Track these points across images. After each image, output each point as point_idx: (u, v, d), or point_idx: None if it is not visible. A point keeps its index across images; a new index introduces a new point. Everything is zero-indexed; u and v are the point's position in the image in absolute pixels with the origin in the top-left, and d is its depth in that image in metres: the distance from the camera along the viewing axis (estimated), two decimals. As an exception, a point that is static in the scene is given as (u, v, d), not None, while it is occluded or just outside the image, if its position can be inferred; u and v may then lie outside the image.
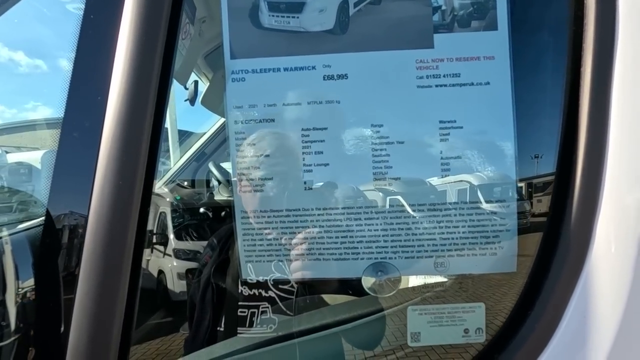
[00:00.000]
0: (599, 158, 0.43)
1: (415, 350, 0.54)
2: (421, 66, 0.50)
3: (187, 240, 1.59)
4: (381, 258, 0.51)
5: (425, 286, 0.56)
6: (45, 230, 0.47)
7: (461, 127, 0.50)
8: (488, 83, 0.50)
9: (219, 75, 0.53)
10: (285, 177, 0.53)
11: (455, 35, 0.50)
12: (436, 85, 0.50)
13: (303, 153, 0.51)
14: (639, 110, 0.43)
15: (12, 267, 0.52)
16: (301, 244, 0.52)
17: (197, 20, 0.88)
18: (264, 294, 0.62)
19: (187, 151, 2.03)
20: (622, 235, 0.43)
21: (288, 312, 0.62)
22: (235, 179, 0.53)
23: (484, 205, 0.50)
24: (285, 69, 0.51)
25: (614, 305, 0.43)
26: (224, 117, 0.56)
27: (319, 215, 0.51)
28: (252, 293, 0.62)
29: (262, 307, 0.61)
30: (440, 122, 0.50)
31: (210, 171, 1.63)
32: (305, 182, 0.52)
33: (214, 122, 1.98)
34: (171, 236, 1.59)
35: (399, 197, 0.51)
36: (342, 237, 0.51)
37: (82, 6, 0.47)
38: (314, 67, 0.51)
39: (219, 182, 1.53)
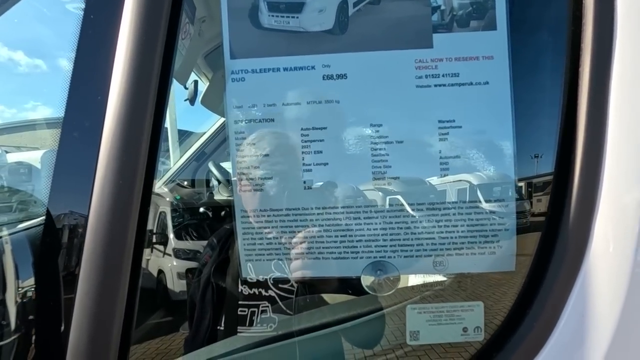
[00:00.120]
0: (597, 157, 0.44)
1: (414, 350, 0.54)
2: (420, 66, 0.50)
3: (187, 239, 1.59)
4: (380, 257, 0.52)
5: (424, 285, 0.56)
6: (46, 229, 0.47)
7: (460, 127, 0.50)
8: (487, 83, 0.50)
9: (219, 75, 0.53)
10: (284, 176, 0.53)
11: (454, 35, 0.50)
12: (435, 85, 0.50)
13: (302, 152, 0.51)
14: (638, 110, 0.44)
15: (12, 266, 0.52)
16: (301, 243, 0.52)
17: (197, 20, 0.88)
18: (264, 293, 0.62)
19: (187, 151, 2.03)
20: (620, 234, 0.43)
21: (288, 311, 0.62)
22: (235, 178, 0.54)
23: (483, 205, 0.50)
24: (285, 69, 0.51)
25: (611, 305, 0.43)
26: (223, 116, 0.56)
27: (318, 214, 0.52)
28: (252, 292, 0.62)
29: (262, 306, 0.62)
30: (439, 121, 0.50)
31: (210, 171, 1.63)
32: (304, 182, 0.52)
33: (213, 122, 1.98)
34: (171, 236, 1.59)
35: (398, 197, 0.51)
36: (341, 236, 0.52)
37: (82, 6, 0.47)
38: (313, 67, 0.51)
39: (219, 182, 1.53)
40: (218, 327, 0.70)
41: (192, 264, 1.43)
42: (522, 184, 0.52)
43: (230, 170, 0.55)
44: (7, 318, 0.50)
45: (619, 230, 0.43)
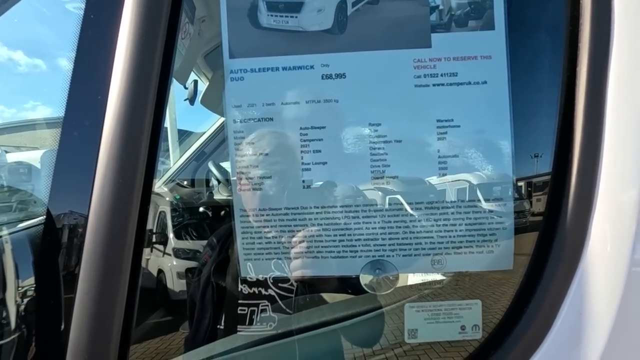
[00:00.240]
0: (594, 157, 0.44)
1: (414, 348, 0.54)
2: (419, 65, 0.51)
3: (186, 239, 1.59)
4: (379, 256, 0.52)
5: (423, 284, 0.56)
6: (46, 229, 0.47)
7: (458, 126, 0.50)
8: (485, 82, 0.50)
9: (219, 74, 0.53)
10: (283, 175, 0.53)
11: (453, 35, 0.50)
12: (434, 85, 0.50)
13: (301, 152, 0.51)
14: (635, 110, 0.44)
15: (12, 266, 0.52)
16: (300, 242, 0.52)
17: (196, 19, 0.88)
18: (263, 292, 0.62)
19: (186, 150, 2.03)
20: (618, 233, 0.44)
21: (288, 310, 0.62)
22: (234, 177, 0.54)
23: (481, 204, 0.51)
24: (284, 69, 0.51)
25: (608, 303, 0.43)
26: (223, 116, 0.56)
27: (317, 213, 0.52)
28: (251, 291, 0.62)
29: (261, 305, 0.62)
30: (438, 121, 0.50)
31: (210, 170, 1.64)
32: (303, 181, 0.52)
33: (213, 122, 1.98)
34: (171, 235, 1.59)
35: (397, 196, 0.51)
36: (340, 235, 0.52)
37: (82, 6, 0.47)
38: (312, 67, 0.51)
39: (219, 182, 1.53)
40: (218, 326, 0.70)
41: (192, 264, 1.43)
42: (519, 183, 0.52)
43: (229, 170, 0.55)
44: (7, 317, 0.50)
45: (616, 230, 0.44)
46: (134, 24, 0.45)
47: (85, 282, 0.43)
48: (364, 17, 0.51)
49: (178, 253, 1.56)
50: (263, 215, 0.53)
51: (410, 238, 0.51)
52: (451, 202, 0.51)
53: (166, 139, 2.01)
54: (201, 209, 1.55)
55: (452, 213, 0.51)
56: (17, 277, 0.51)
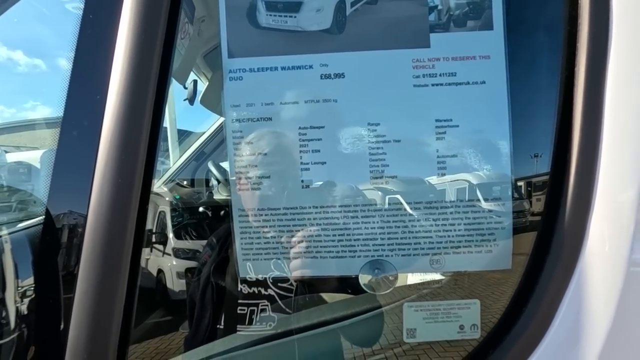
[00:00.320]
0: (592, 157, 0.44)
1: (413, 348, 0.54)
2: (417, 65, 0.51)
3: (186, 239, 1.59)
4: (378, 256, 0.52)
5: (422, 283, 0.57)
6: (45, 229, 0.47)
7: (457, 126, 0.50)
8: (484, 82, 0.50)
9: (218, 74, 0.53)
10: (282, 175, 0.53)
11: (451, 35, 0.51)
12: (432, 85, 0.50)
13: (300, 151, 0.52)
14: (633, 110, 0.44)
15: (11, 266, 0.52)
16: (299, 242, 0.52)
17: (196, 19, 0.88)
18: (263, 292, 0.62)
19: (186, 150, 2.03)
20: (616, 233, 0.44)
21: (287, 309, 0.62)
22: (233, 177, 0.54)
23: (480, 204, 0.51)
24: (283, 68, 0.52)
25: (606, 303, 0.43)
26: (223, 116, 0.56)
27: (316, 213, 0.52)
28: (251, 291, 0.62)
29: (261, 305, 0.62)
30: (437, 120, 0.50)
31: (209, 170, 1.64)
32: (302, 181, 0.52)
33: (213, 122, 1.98)
34: (170, 235, 1.59)
35: (396, 195, 0.51)
36: (339, 235, 0.52)
37: (82, 6, 0.47)
38: (311, 66, 0.51)
39: (219, 182, 1.53)
40: (218, 326, 0.70)
41: (192, 264, 1.43)
42: (518, 183, 0.52)
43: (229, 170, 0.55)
44: (6, 317, 0.50)
45: (614, 230, 0.44)
46: (133, 23, 0.45)
47: (84, 282, 0.43)
48: (362, 17, 0.51)
49: (178, 253, 1.56)
50: (262, 215, 0.53)
51: (409, 238, 0.51)
52: (450, 201, 0.51)
53: (166, 139, 2.01)
54: (201, 209, 1.55)
55: (451, 213, 0.51)
56: (17, 276, 0.51)
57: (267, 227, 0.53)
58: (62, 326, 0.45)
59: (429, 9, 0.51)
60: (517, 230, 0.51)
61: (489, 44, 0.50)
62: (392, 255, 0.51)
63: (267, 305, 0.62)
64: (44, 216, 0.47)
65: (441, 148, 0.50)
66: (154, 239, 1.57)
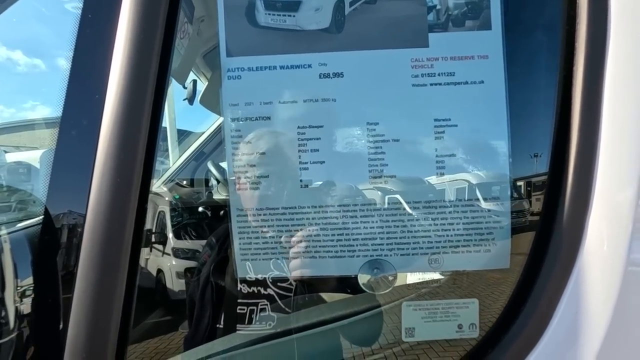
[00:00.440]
0: (590, 156, 0.44)
1: (412, 347, 0.54)
2: (416, 65, 0.51)
3: (186, 239, 1.59)
4: (377, 255, 0.52)
5: (421, 283, 0.57)
6: (44, 228, 0.47)
7: (456, 126, 0.50)
8: (482, 82, 0.50)
9: (218, 74, 0.53)
10: (281, 175, 0.53)
11: (450, 35, 0.51)
12: (431, 84, 0.51)
13: (299, 151, 0.52)
14: (631, 109, 0.44)
15: (11, 265, 0.52)
16: (298, 242, 0.52)
17: (195, 19, 0.88)
18: (262, 291, 0.62)
19: (186, 150, 2.03)
20: (614, 233, 0.44)
21: (287, 309, 0.62)
22: (231, 177, 0.54)
23: (478, 203, 0.51)
24: (282, 67, 0.52)
25: (605, 302, 0.43)
26: (221, 115, 0.56)
27: (315, 213, 0.52)
28: (251, 291, 0.62)
29: (261, 305, 0.62)
30: (435, 120, 0.51)
31: (209, 170, 1.64)
32: (301, 180, 0.52)
33: (212, 121, 1.99)
34: (170, 235, 1.59)
35: (395, 195, 0.51)
36: (338, 234, 0.52)
37: (80, 5, 0.47)
38: (310, 66, 0.51)
39: (218, 181, 1.53)
40: (217, 325, 0.70)
41: (191, 264, 1.43)
42: (517, 182, 0.52)
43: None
44: (5, 316, 0.50)
45: (613, 229, 0.44)
46: (132, 23, 0.45)
47: (83, 281, 0.43)
48: (361, 16, 0.51)
49: (177, 253, 1.56)
50: (261, 215, 0.53)
51: (408, 237, 0.51)
52: (448, 201, 0.51)
53: (165, 139, 2.01)
54: (200, 209, 1.55)
55: (450, 212, 0.51)
56: (16, 276, 0.51)
57: (265, 227, 0.53)
58: (61, 325, 0.45)
59: (427, 9, 0.51)
60: (515, 229, 0.51)
61: (488, 43, 0.50)
62: (391, 255, 0.52)
63: (267, 304, 0.62)
64: (43, 216, 0.47)
65: (440, 147, 0.51)
66: (153, 239, 1.57)
